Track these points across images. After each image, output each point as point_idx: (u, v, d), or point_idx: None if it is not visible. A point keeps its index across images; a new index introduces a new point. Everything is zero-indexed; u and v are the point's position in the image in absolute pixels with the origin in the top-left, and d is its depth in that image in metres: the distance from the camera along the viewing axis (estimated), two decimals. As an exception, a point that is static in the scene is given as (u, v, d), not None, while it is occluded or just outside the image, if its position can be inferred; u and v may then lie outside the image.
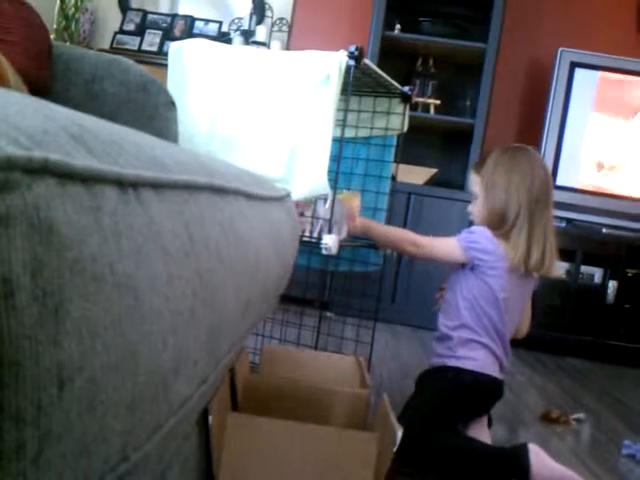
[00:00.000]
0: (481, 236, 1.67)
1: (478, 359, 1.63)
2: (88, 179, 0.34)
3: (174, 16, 3.82)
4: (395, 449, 0.87)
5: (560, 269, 3.00)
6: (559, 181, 3.26)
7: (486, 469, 1.44)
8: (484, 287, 1.65)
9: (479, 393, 1.64)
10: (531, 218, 1.63)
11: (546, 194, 1.67)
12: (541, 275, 1.69)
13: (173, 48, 1.85)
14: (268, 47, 3.66)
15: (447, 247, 1.71)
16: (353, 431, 0.99)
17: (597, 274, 3.14)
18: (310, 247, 1.75)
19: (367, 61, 1.69)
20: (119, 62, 1.48)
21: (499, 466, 1.43)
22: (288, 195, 1.07)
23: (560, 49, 3.24)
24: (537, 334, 3.07)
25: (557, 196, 3.27)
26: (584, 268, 3.13)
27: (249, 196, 0.75)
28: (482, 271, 1.65)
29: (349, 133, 2.02)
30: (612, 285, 3.10)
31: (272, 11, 3.75)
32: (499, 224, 1.65)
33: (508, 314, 1.66)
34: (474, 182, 1.74)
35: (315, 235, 1.77)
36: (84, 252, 0.32)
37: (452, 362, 1.64)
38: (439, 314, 1.76)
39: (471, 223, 1.79)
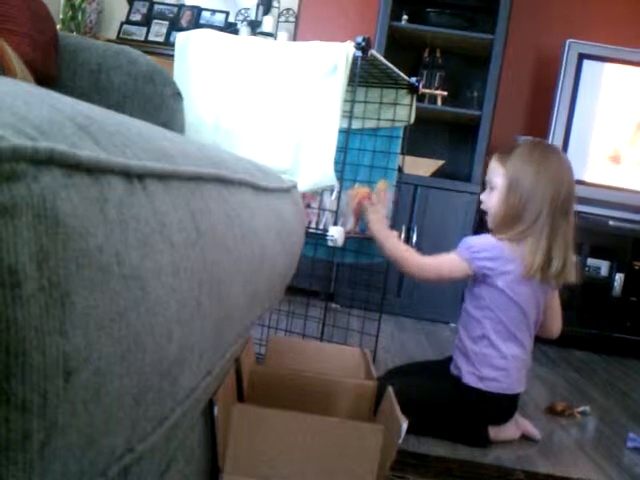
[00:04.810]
0: (482, 244, 1.62)
1: (502, 380, 1.61)
2: (94, 170, 0.34)
3: (181, 6, 3.81)
4: (400, 440, 0.87)
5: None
6: (566, 173, 3.24)
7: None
8: (498, 294, 1.60)
9: (496, 415, 1.64)
10: (553, 225, 1.57)
11: (570, 202, 1.61)
12: (560, 282, 1.63)
13: (180, 39, 1.84)
14: (275, 38, 3.65)
15: (451, 265, 1.64)
16: (358, 422, 0.99)
17: (604, 267, 3.13)
18: (316, 239, 1.75)
19: (374, 52, 1.69)
20: (126, 52, 1.48)
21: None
22: (294, 186, 1.06)
23: (568, 41, 3.22)
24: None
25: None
26: (591, 261, 3.12)
27: (255, 187, 0.75)
28: (492, 279, 1.60)
29: (356, 124, 2.02)
30: (619, 278, 3.09)
31: (279, 1, 3.74)
32: (513, 223, 1.60)
33: (528, 316, 1.63)
34: (496, 172, 1.66)
35: (321, 227, 1.77)
36: (90, 243, 0.32)
37: (476, 382, 1.62)
38: (459, 326, 1.72)
39: (480, 212, 1.75)
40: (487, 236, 1.64)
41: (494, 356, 1.61)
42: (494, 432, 1.62)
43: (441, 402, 1.63)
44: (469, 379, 1.63)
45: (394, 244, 1.73)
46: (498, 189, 1.64)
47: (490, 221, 1.69)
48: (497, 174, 1.65)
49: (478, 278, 1.63)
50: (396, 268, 1.75)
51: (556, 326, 1.77)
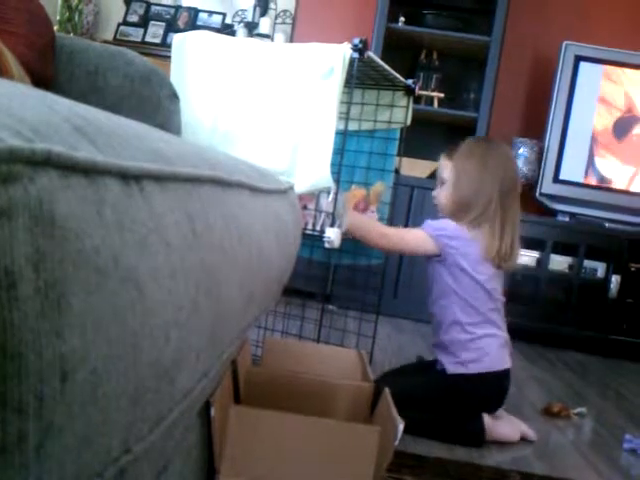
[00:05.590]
0: (444, 225, 1.69)
1: (483, 359, 1.64)
2: (91, 171, 0.34)
3: (178, 8, 3.81)
4: (397, 442, 0.87)
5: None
6: (562, 175, 3.25)
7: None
8: (463, 276, 1.65)
9: (488, 398, 1.66)
10: (503, 210, 1.65)
11: (515, 187, 1.69)
12: (507, 268, 1.70)
13: (176, 40, 1.84)
14: (272, 39, 3.64)
15: (416, 238, 1.71)
16: (355, 424, 0.99)
17: (600, 269, 3.14)
18: (313, 240, 1.75)
19: (371, 54, 1.69)
20: (123, 54, 1.48)
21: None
22: (291, 188, 1.06)
23: (564, 43, 3.22)
24: (539, 328, 3.08)
25: (560, 190, 3.27)
26: (587, 262, 3.12)
27: (252, 189, 0.75)
28: (456, 259, 1.65)
29: (352, 126, 2.02)
30: (615, 280, 3.09)
31: (276, 3, 3.74)
32: (464, 213, 1.67)
33: (493, 295, 1.67)
34: (444, 167, 1.76)
35: (318, 228, 1.77)
36: (87, 244, 0.32)
37: (458, 369, 1.65)
38: (432, 328, 1.77)
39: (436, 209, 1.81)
40: (447, 219, 1.72)
41: (468, 339, 1.65)
42: (495, 432, 1.62)
43: (431, 397, 1.65)
44: (452, 368, 1.66)
45: (360, 220, 1.80)
46: (447, 183, 1.74)
47: (443, 214, 1.76)
48: (445, 169, 1.76)
49: (441, 264, 1.68)
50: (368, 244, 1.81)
51: None
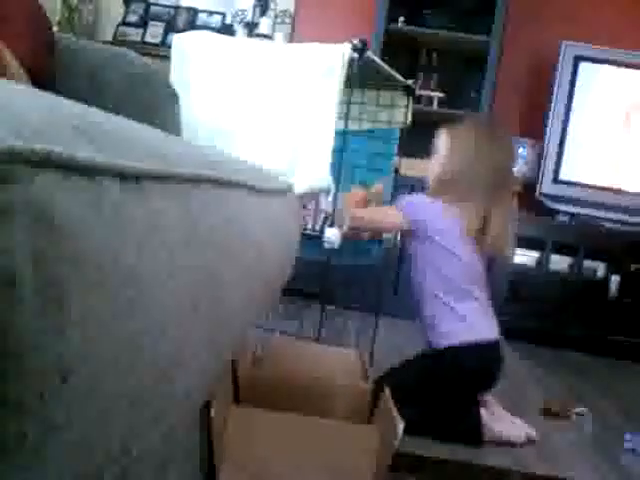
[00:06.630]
0: (417, 200, 1.70)
1: (465, 330, 1.62)
2: (91, 171, 0.34)
3: (177, 8, 3.81)
4: (397, 442, 0.87)
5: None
6: (562, 176, 3.25)
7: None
8: (438, 249, 1.64)
9: (478, 372, 1.64)
10: (493, 194, 1.64)
11: (509, 177, 1.70)
12: (496, 255, 1.71)
13: (176, 40, 1.84)
14: (271, 39, 3.64)
15: (385, 214, 1.74)
16: (355, 424, 0.99)
17: (600, 269, 3.14)
18: (313, 240, 1.75)
19: (370, 54, 1.69)
20: (122, 54, 1.47)
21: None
22: (291, 188, 1.06)
23: (564, 43, 3.22)
24: (539, 328, 3.08)
25: (560, 190, 3.27)
26: (587, 263, 3.12)
27: (252, 189, 0.75)
28: (429, 234, 1.65)
29: (352, 126, 2.02)
30: (615, 280, 3.09)
31: (275, 3, 3.74)
32: (449, 187, 1.67)
33: (472, 268, 1.66)
34: (441, 139, 1.75)
35: (318, 228, 1.77)
36: (86, 244, 0.32)
37: (441, 341, 1.64)
38: (417, 314, 1.75)
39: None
40: (422, 195, 1.73)
41: (448, 311, 1.64)
42: (499, 433, 1.61)
43: (421, 377, 1.64)
44: (435, 342, 1.65)
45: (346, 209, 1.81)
46: (439, 153, 1.73)
47: (429, 184, 1.76)
48: (442, 140, 1.75)
49: (416, 240, 1.68)
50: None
51: None
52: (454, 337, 1.62)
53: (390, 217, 1.71)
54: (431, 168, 1.75)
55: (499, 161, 1.66)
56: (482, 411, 1.62)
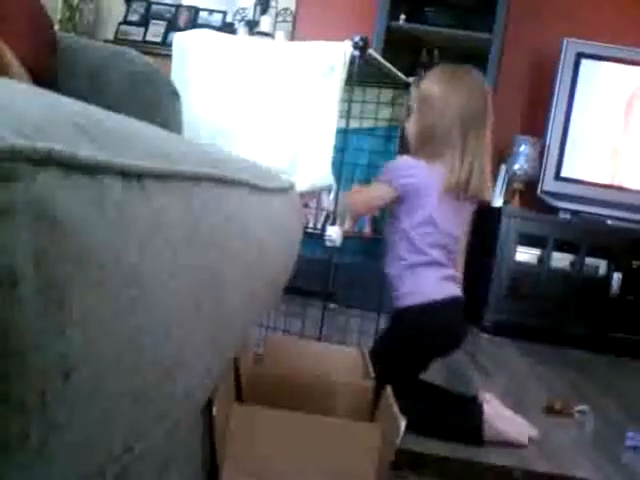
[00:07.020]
0: (400, 163, 1.67)
1: (418, 290, 1.61)
2: (92, 170, 0.34)
3: (178, 6, 3.81)
4: (399, 440, 0.87)
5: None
6: (564, 173, 3.25)
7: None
8: (415, 211, 1.62)
9: (439, 331, 1.64)
10: (467, 140, 1.60)
11: (482, 114, 1.64)
12: (476, 199, 1.67)
13: (177, 39, 1.84)
14: (272, 37, 3.64)
15: (370, 190, 1.70)
16: (357, 422, 0.99)
17: (602, 266, 3.13)
18: (314, 238, 1.75)
19: (372, 51, 1.69)
20: (123, 53, 1.47)
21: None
22: (292, 186, 1.06)
23: (565, 39, 3.22)
24: (540, 325, 3.08)
25: (562, 188, 3.27)
26: (589, 260, 3.12)
27: (254, 187, 0.75)
28: (411, 198, 1.62)
29: (353, 124, 2.02)
30: (617, 277, 3.09)
31: (276, 1, 3.73)
32: (427, 142, 1.64)
33: (447, 233, 1.64)
34: (414, 96, 1.74)
35: (319, 226, 1.77)
36: (88, 243, 0.32)
37: (399, 303, 1.63)
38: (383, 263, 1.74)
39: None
40: (404, 157, 1.70)
41: (408, 274, 1.62)
42: (503, 433, 1.61)
43: (388, 341, 1.65)
44: (395, 304, 1.65)
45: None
46: (413, 111, 1.70)
47: (410, 144, 1.73)
48: (414, 98, 1.73)
49: (401, 202, 1.64)
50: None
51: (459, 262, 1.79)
52: (406, 300, 1.62)
53: (376, 190, 1.68)
54: (409, 129, 1.71)
55: (467, 102, 1.61)
56: (486, 409, 1.61)
